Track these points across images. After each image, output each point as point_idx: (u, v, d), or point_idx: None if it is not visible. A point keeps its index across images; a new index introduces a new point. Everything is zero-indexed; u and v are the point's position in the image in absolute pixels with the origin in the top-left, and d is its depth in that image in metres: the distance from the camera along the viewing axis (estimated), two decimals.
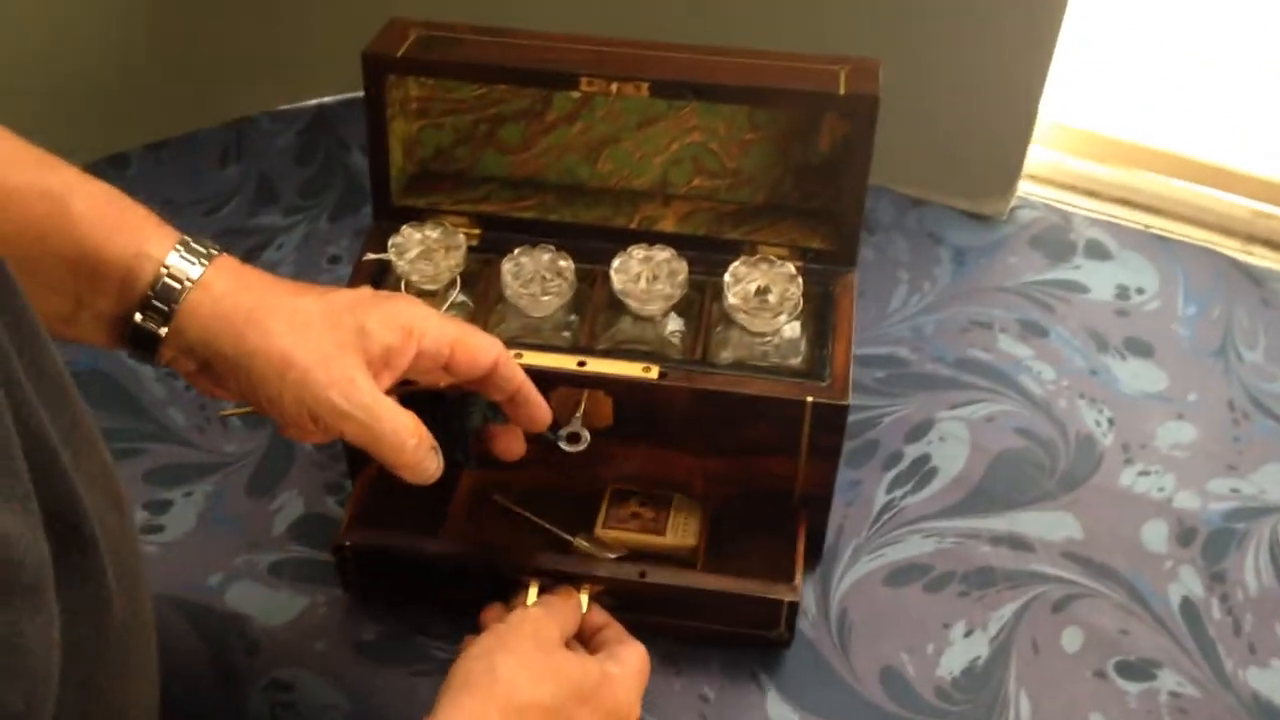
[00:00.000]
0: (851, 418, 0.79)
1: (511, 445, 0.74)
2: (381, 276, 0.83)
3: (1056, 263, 1.13)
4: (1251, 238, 1.18)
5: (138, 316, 0.59)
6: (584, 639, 0.75)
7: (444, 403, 0.70)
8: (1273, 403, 1.00)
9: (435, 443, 0.65)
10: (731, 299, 0.79)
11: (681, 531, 0.83)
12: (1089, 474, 0.95)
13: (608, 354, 0.79)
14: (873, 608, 0.86)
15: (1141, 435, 0.98)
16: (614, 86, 0.80)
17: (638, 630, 0.75)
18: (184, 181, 1.20)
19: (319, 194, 1.19)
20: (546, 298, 0.80)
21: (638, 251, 0.82)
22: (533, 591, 0.77)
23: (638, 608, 0.78)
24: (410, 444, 0.63)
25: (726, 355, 0.80)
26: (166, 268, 0.59)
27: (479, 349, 0.67)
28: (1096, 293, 1.10)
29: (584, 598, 0.76)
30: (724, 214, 0.90)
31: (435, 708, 0.62)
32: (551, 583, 0.77)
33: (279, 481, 0.93)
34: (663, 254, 0.82)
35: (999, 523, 0.91)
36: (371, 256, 0.84)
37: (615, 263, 0.81)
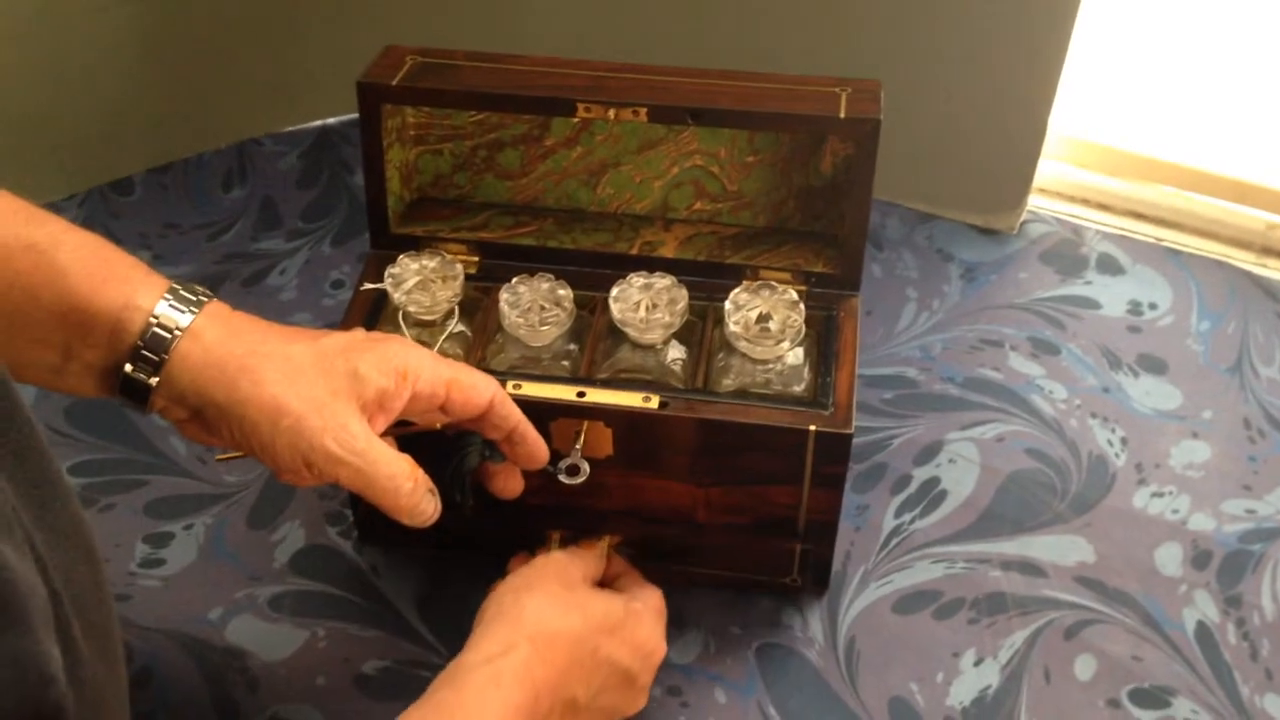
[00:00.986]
0: (859, 440, 0.78)
1: (510, 483, 0.74)
2: (379, 306, 0.83)
3: (1068, 278, 1.12)
4: (1266, 250, 1.16)
5: (128, 367, 0.59)
6: (603, 585, 0.78)
7: (441, 443, 0.70)
8: None
9: (432, 485, 0.65)
10: (733, 327, 0.78)
11: None
12: (1101, 495, 0.93)
13: (608, 384, 0.78)
14: (881, 636, 0.84)
15: (1155, 455, 0.96)
16: (612, 113, 0.79)
17: (652, 578, 0.80)
18: (188, 205, 1.20)
19: (322, 217, 1.19)
20: (545, 327, 0.79)
21: (637, 279, 0.81)
22: (555, 542, 0.80)
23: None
24: (406, 488, 0.62)
25: (728, 383, 0.79)
26: (155, 317, 0.59)
27: (474, 389, 0.67)
28: (1108, 308, 1.09)
29: (604, 545, 0.80)
30: (726, 238, 0.88)
31: (468, 643, 0.65)
32: (573, 535, 0.81)
33: (280, 512, 0.92)
34: (662, 281, 0.80)
35: (1010, 546, 0.90)
36: (369, 287, 0.83)
37: (614, 291, 0.80)
